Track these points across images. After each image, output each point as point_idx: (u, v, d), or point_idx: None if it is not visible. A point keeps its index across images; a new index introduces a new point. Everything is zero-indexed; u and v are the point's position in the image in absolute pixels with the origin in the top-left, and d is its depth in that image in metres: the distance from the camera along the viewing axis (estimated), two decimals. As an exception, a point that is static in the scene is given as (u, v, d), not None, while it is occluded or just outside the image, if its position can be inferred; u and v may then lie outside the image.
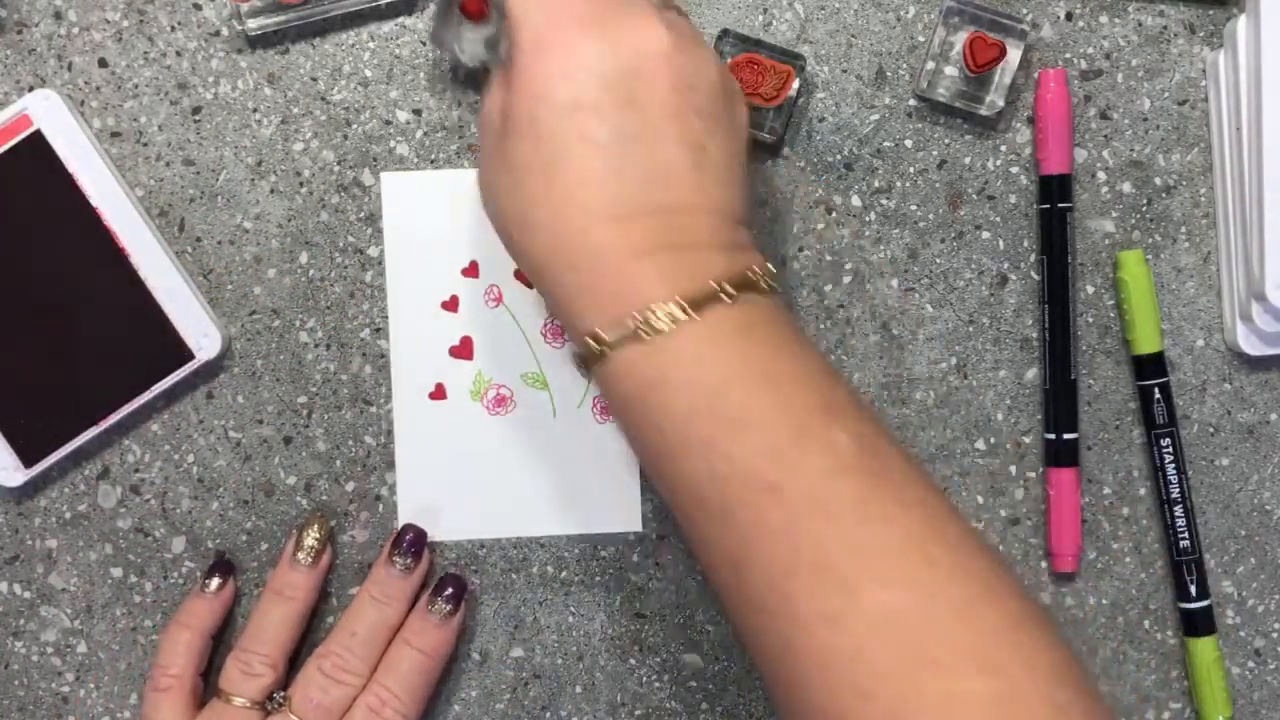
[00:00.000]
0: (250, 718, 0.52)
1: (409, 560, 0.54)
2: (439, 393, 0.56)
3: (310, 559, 0.54)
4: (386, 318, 0.57)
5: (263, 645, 0.53)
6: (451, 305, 0.56)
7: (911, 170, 0.57)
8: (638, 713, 0.58)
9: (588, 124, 0.42)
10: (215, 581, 0.55)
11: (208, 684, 0.55)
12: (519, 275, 0.56)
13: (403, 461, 0.57)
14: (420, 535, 0.55)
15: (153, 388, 0.56)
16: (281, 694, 0.53)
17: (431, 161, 0.57)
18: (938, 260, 0.57)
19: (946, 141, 0.57)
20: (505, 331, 0.56)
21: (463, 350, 0.56)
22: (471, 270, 0.56)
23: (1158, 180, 0.57)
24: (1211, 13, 0.57)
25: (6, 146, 0.54)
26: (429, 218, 0.56)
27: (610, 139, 0.42)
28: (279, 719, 0.52)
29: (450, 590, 0.54)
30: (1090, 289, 0.57)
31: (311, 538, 0.54)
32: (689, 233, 0.43)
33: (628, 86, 0.43)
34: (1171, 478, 0.56)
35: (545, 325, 0.56)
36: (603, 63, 0.43)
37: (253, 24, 0.55)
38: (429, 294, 0.56)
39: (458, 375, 0.56)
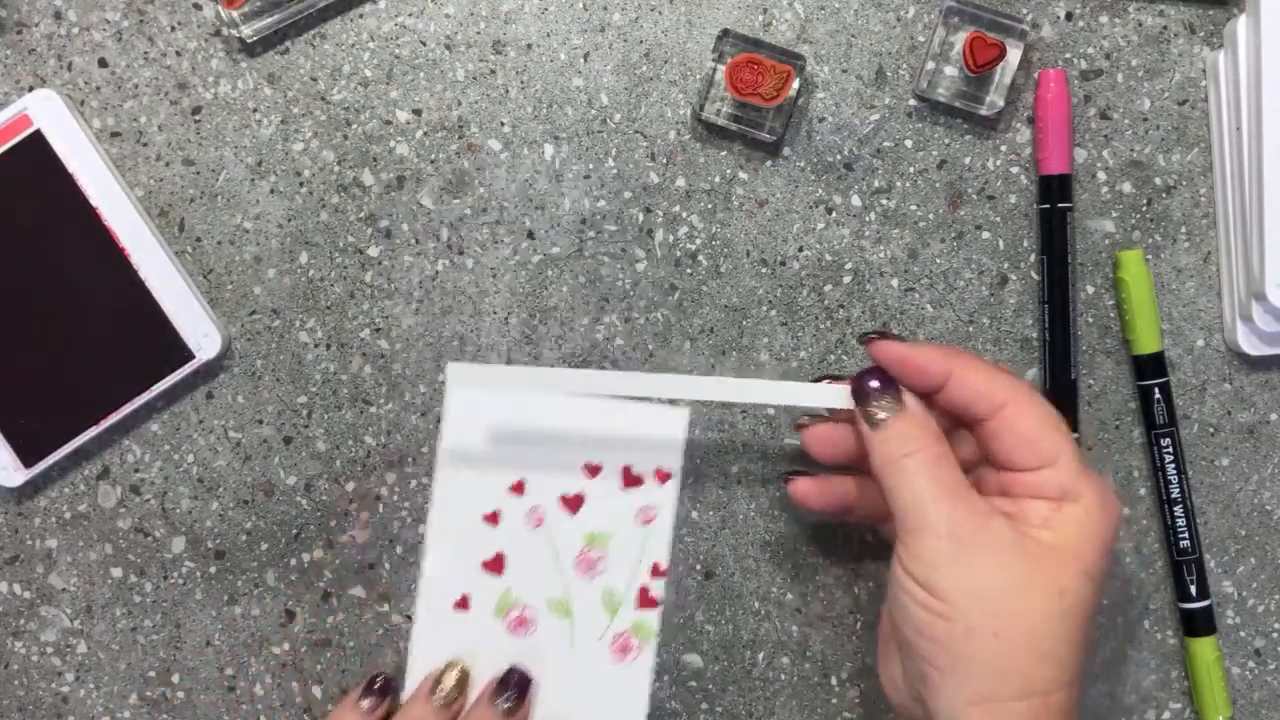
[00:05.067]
0: None
1: (511, 701, 0.53)
2: (463, 603, 0.55)
3: (443, 701, 0.53)
4: (386, 318, 0.57)
5: None
6: (493, 519, 0.54)
7: (911, 170, 0.57)
8: (638, 713, 0.58)
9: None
10: (368, 702, 0.54)
11: None
12: (565, 501, 0.55)
13: (416, 658, 0.55)
14: (526, 678, 0.54)
15: (153, 388, 0.56)
16: None
17: (431, 162, 0.57)
18: (938, 260, 0.57)
19: (946, 141, 0.57)
20: (540, 554, 0.55)
21: (495, 565, 0.55)
22: (518, 488, 0.55)
23: (1158, 180, 0.57)
24: (1211, 13, 0.57)
25: (6, 146, 0.55)
26: (492, 415, 0.54)
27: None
28: None
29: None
30: (1090, 289, 0.57)
31: (451, 680, 0.54)
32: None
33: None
34: (1171, 478, 0.56)
35: (580, 554, 0.55)
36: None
37: (248, 30, 0.55)
38: (473, 504, 0.55)
39: (485, 589, 0.55)
